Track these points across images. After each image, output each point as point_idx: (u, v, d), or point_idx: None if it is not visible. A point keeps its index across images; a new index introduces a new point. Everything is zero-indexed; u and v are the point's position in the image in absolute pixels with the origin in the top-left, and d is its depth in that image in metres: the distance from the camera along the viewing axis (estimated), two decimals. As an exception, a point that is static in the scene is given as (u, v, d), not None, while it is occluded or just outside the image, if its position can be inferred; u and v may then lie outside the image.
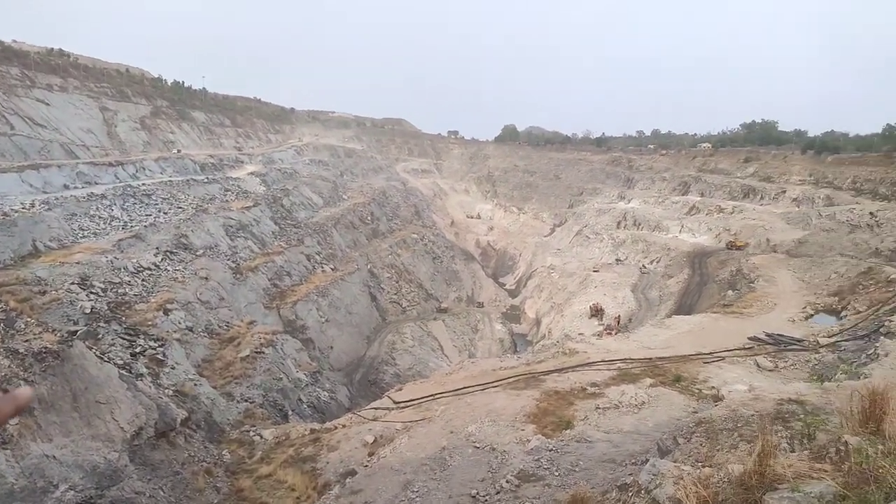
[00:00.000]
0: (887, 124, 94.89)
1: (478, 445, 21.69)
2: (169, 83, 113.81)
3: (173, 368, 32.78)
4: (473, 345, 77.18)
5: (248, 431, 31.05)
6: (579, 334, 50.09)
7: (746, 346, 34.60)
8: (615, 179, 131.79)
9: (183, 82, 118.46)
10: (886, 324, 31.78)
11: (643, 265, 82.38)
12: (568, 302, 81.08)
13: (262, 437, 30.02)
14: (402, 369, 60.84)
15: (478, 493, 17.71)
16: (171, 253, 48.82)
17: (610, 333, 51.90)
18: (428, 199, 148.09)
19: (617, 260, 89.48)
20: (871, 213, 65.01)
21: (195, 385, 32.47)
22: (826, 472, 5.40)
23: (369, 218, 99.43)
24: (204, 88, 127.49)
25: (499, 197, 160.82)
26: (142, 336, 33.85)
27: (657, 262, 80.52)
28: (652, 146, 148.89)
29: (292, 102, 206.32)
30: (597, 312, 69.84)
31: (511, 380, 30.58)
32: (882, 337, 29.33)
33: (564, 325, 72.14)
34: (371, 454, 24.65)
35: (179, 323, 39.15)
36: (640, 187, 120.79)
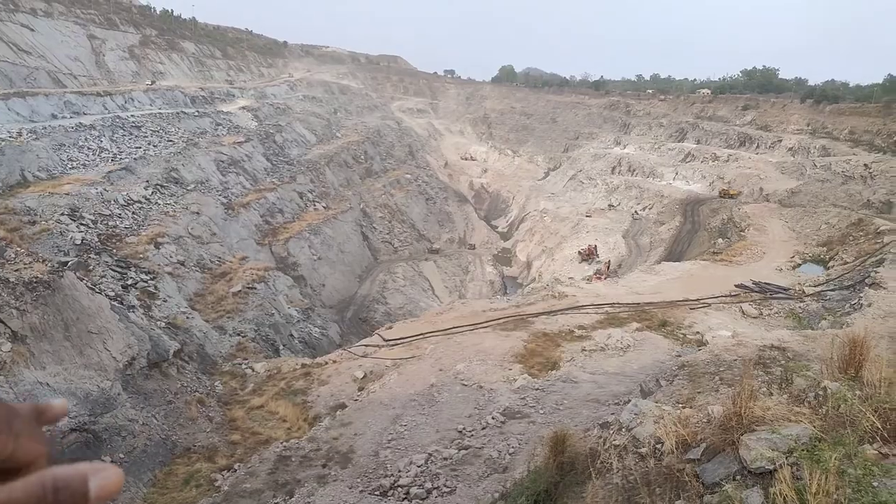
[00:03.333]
0: (888, 74, 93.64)
1: (466, 383, 22.14)
2: (158, 11, 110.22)
3: (165, 301, 32.97)
4: (464, 286, 77.77)
5: (241, 364, 31.51)
6: (569, 278, 50.51)
7: (733, 294, 35.07)
8: (612, 124, 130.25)
9: (172, 11, 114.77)
10: (872, 275, 32.16)
11: (636, 211, 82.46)
12: (559, 246, 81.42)
13: (253, 370, 30.49)
14: (392, 308, 61.40)
15: (464, 429, 18.18)
16: (162, 187, 48.37)
17: (599, 278, 52.34)
18: (423, 140, 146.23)
19: (610, 205, 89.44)
20: (865, 165, 64.97)
21: (187, 318, 32.74)
22: (804, 415, 5.52)
23: (363, 157, 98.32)
24: (194, 18, 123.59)
25: (494, 139, 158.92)
26: (133, 269, 33.88)
27: (650, 209, 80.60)
28: (651, 91, 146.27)
29: (284, 35, 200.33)
30: (589, 255, 70.19)
31: (500, 321, 30.99)
32: (867, 287, 29.74)
33: (555, 269, 72.65)
34: (361, 389, 25.15)
35: (171, 257, 39.14)
36: (637, 133, 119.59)
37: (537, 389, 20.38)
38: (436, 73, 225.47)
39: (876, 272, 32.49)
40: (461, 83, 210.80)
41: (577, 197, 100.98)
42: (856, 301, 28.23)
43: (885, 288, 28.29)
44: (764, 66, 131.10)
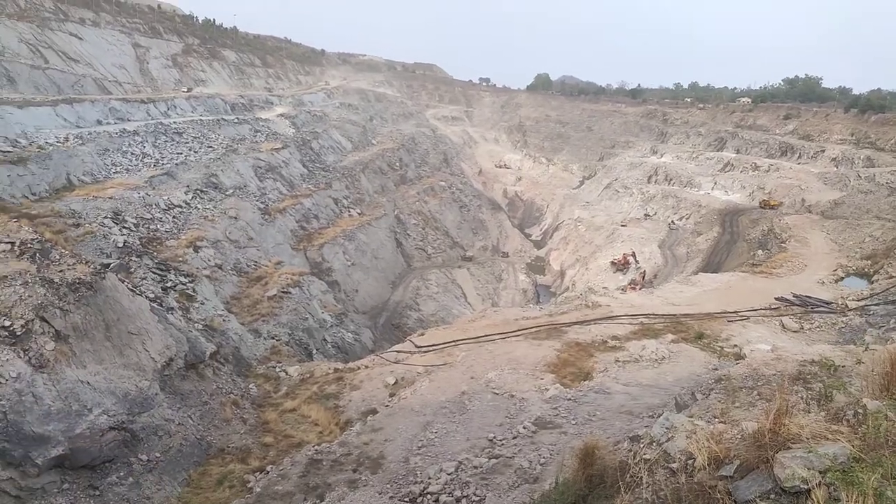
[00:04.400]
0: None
1: (497, 392, 22.07)
2: (200, 21, 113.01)
3: (203, 304, 33.64)
4: (497, 294, 77.59)
5: (275, 367, 31.93)
6: (603, 288, 49.99)
7: (773, 307, 34.28)
8: (649, 133, 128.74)
9: (214, 20, 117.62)
10: (919, 290, 31.17)
11: (672, 221, 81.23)
12: (593, 255, 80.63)
13: (287, 373, 30.87)
14: (425, 315, 61.57)
15: (495, 437, 18.10)
16: (201, 191, 49.40)
17: (634, 288, 51.73)
18: (457, 147, 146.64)
19: (646, 215, 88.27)
20: (912, 176, 62.92)
21: (224, 321, 33.34)
22: (842, 433, 5.38)
23: (398, 164, 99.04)
24: (235, 27, 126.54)
25: (529, 147, 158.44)
26: (172, 271, 34.65)
27: (687, 219, 79.31)
28: (689, 99, 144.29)
29: (322, 44, 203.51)
30: (625, 265, 69.36)
31: (533, 330, 30.84)
32: (913, 303, 28.82)
33: (589, 278, 71.94)
34: (392, 395, 25.26)
35: (209, 260, 39.93)
36: (674, 142, 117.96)
37: (569, 400, 20.20)
38: (471, 80, 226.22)
39: (923, 287, 31.47)
40: (496, 91, 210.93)
41: (612, 206, 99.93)
42: (901, 316, 27.37)
43: (932, 303, 27.38)
44: (806, 74, 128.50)
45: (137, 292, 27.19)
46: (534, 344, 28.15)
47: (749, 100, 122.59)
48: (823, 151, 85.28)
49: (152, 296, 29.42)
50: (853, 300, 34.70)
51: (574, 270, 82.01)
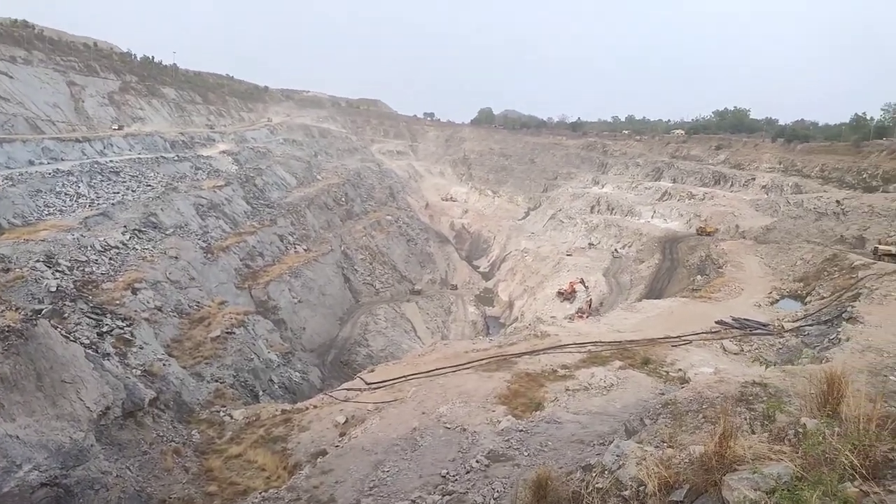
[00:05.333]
0: (855, 114, 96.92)
1: (449, 426, 21.81)
2: (138, 58, 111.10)
3: (141, 348, 32.30)
4: (446, 327, 77.44)
5: (219, 412, 30.79)
6: (551, 317, 50.57)
7: (713, 330, 35.23)
8: (590, 164, 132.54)
9: (153, 57, 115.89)
10: (849, 309, 32.58)
11: (615, 249, 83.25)
12: (541, 285, 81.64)
13: (232, 417, 29.81)
14: (374, 350, 60.83)
15: (448, 473, 17.82)
16: (140, 231, 47.96)
17: (581, 317, 52.45)
18: (403, 181, 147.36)
19: (590, 244, 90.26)
20: (837, 202, 66.39)
21: (164, 365, 32.04)
22: (784, 453, 5.50)
23: (343, 199, 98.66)
24: (175, 64, 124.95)
25: (474, 180, 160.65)
26: (109, 315, 33.24)
27: (629, 247, 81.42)
28: (626, 132, 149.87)
29: (266, 80, 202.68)
30: (571, 294, 70.41)
31: (483, 362, 30.76)
32: (844, 322, 30.07)
33: (537, 308, 72.69)
34: (342, 434, 24.66)
35: (148, 302, 38.54)
36: (614, 172, 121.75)
37: (521, 431, 20.11)
38: (415, 115, 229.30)
39: (852, 307, 32.93)
40: (440, 125, 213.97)
41: (557, 236, 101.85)
42: (834, 336, 28.50)
43: (861, 322, 28.65)
44: (735, 106, 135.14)
45: (71, 338, 25.93)
46: (484, 376, 28.05)
47: (683, 132, 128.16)
48: (754, 179, 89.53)
49: (87, 342, 28.09)
50: (788, 321, 36.04)
51: (522, 301, 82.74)
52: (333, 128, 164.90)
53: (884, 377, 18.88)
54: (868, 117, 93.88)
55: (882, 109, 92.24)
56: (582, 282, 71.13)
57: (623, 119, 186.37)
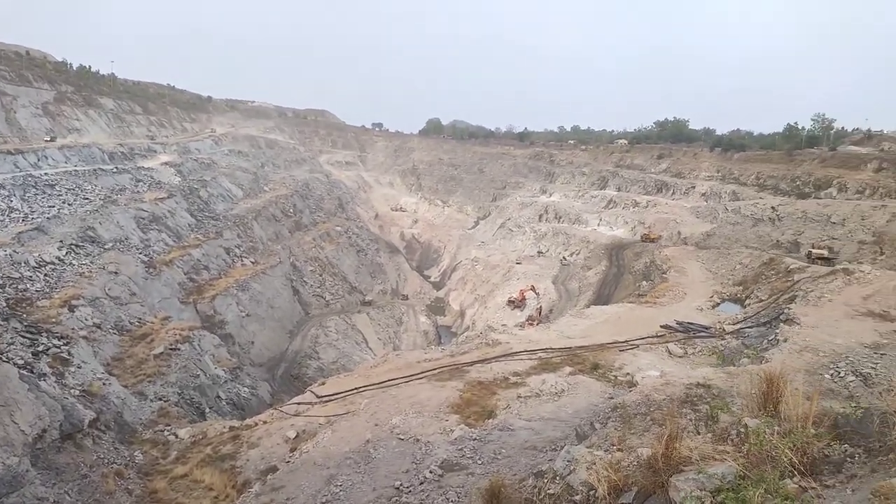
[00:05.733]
0: (788, 124, 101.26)
1: (402, 437, 21.66)
2: (74, 67, 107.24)
3: (80, 368, 31.00)
4: (398, 337, 77.08)
5: (163, 431, 29.79)
6: (502, 325, 50.85)
7: (659, 334, 36.12)
8: (537, 174, 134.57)
9: (90, 67, 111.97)
10: (786, 311, 33.91)
11: (564, 257, 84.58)
12: (491, 294, 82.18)
13: (177, 436, 28.87)
14: (325, 363, 60.01)
15: (402, 485, 17.67)
16: (77, 246, 46.18)
17: (532, 324, 52.99)
18: (352, 192, 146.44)
19: (539, 252, 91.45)
20: (772, 208, 69.22)
21: (104, 384, 30.83)
22: (728, 453, 5.66)
23: (292, 210, 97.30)
24: (113, 74, 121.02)
25: (423, 190, 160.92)
26: (45, 334, 31.81)
27: (577, 255, 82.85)
28: (572, 142, 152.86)
29: (210, 90, 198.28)
30: (522, 302, 71.07)
31: (435, 371, 30.72)
32: (782, 324, 31.26)
33: (488, 316, 73.08)
34: (293, 450, 24.19)
35: (86, 320, 37.08)
36: (561, 181, 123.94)
37: (475, 440, 20.13)
38: (364, 126, 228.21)
39: (789, 308, 34.30)
40: (389, 136, 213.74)
41: (506, 245, 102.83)
42: (772, 337, 29.58)
43: (798, 323, 29.82)
44: (675, 117, 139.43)
45: (4, 359, 24.71)
46: (437, 386, 27.99)
47: (626, 141, 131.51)
48: (694, 187, 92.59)
49: (21, 362, 26.77)
50: (729, 324, 37.30)
51: (473, 309, 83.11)
52: (281, 138, 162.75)
53: (820, 376, 19.75)
54: (800, 127, 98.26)
55: (812, 120, 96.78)
56: (533, 288, 71.97)
57: (569, 129, 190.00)
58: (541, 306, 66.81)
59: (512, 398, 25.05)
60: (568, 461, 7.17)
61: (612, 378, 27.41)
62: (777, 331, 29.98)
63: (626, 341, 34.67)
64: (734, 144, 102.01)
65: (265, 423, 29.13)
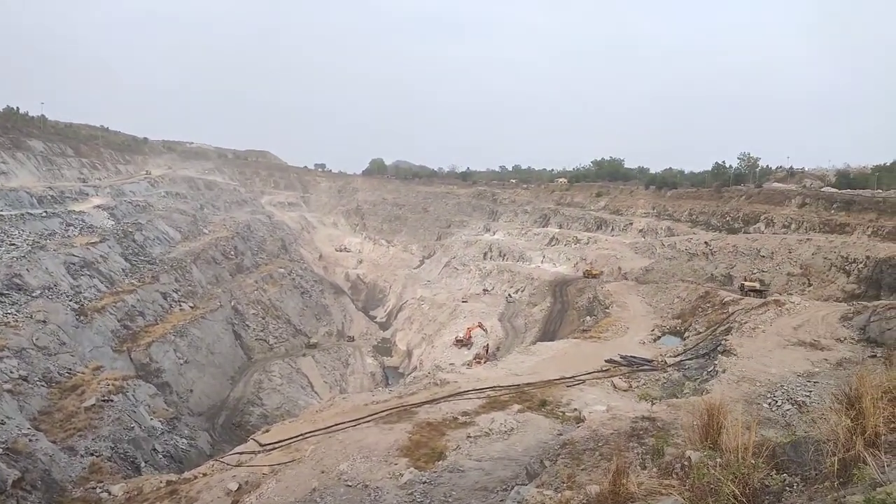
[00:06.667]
0: (715, 163, 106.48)
1: (350, 484, 21.17)
2: (1, 109, 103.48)
3: (3, 423, 29.22)
4: (345, 380, 75.71)
5: (95, 488, 28.25)
6: (450, 364, 50.64)
7: (604, 369, 36.68)
8: (481, 212, 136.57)
9: (18, 108, 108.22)
10: (723, 342, 34.99)
11: (509, 294, 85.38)
12: (438, 333, 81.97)
13: (110, 493, 27.40)
14: (269, 409, 58.30)
15: (350, 534, 17.22)
16: (2, 295, 43.96)
17: (479, 362, 52.94)
18: (295, 233, 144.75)
19: (484, 290, 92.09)
20: (706, 243, 72.05)
21: (30, 441, 29.11)
22: (673, 487, 5.77)
23: (233, 252, 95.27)
24: (43, 115, 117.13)
25: (368, 230, 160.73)
26: (-37, 389, 29.94)
27: (522, 291, 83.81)
28: (514, 181, 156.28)
29: (146, 132, 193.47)
30: (469, 340, 71.04)
31: (383, 414, 30.24)
32: (719, 355, 32.22)
33: (436, 355, 72.73)
34: (235, 502, 23.24)
35: (11, 372, 35.09)
36: (505, 219, 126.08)
37: (425, 483, 19.87)
38: (306, 166, 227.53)
39: (726, 340, 35.41)
40: (332, 176, 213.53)
41: (452, 283, 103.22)
42: (711, 368, 30.39)
43: (735, 354, 30.78)
44: (611, 157, 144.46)
45: (-85, 418, 23.07)
46: (385, 428, 27.54)
47: (565, 180, 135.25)
48: (632, 224, 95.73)
49: (-64, 421, 25.09)
50: (670, 357, 38.22)
51: (421, 349, 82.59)
52: (220, 180, 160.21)
53: (758, 405, 20.40)
54: (727, 165, 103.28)
55: (739, 158, 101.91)
56: (480, 325, 72.24)
57: (510, 168, 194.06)
58: (488, 344, 66.98)
59: (462, 438, 24.86)
60: (518, 502, 7.16)
61: (561, 414, 27.58)
62: (716, 362, 30.82)
63: (572, 377, 35.02)
64: (667, 182, 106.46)
65: (205, 475, 27.93)
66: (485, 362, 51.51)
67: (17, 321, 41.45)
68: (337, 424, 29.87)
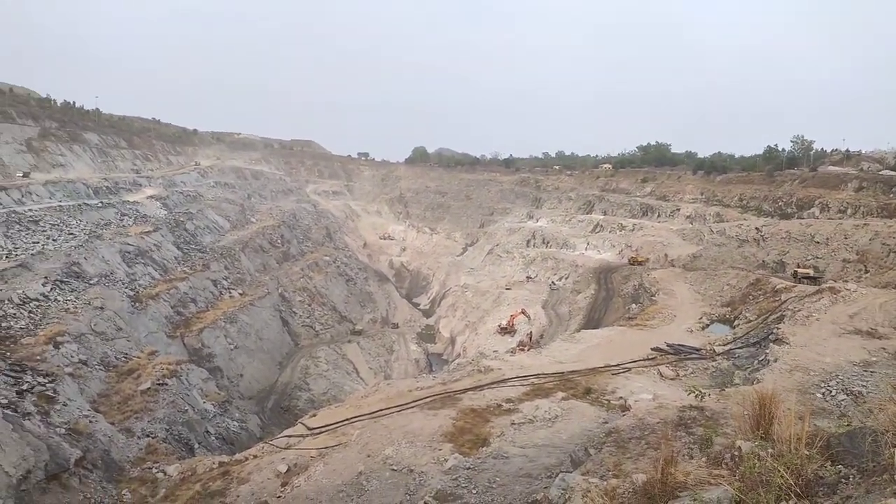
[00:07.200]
0: (767, 146, 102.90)
1: (395, 468, 21.46)
2: (58, 103, 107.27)
3: (65, 405, 30.52)
4: (389, 366, 76.51)
5: (151, 468, 29.30)
6: (494, 351, 50.71)
7: (650, 357, 36.15)
8: (524, 199, 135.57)
9: (73, 102, 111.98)
10: (775, 331, 34.05)
11: (553, 282, 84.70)
12: (482, 320, 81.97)
13: (165, 473, 28.39)
14: (316, 394, 59.43)
15: (396, 517, 17.48)
16: (62, 282, 45.70)
17: (523, 349, 52.82)
18: (340, 221, 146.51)
19: (528, 277, 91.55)
20: (756, 229, 69.97)
21: (90, 422, 30.36)
22: (723, 477, 5.67)
23: (279, 241, 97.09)
24: (97, 109, 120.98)
25: (411, 218, 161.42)
26: (29, 372, 31.34)
27: (566, 279, 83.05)
28: (557, 167, 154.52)
29: (195, 124, 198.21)
30: (512, 328, 70.94)
31: (427, 400, 30.50)
32: (771, 343, 31.38)
33: (479, 342, 72.82)
34: (285, 484, 23.83)
35: (72, 356, 36.56)
36: (548, 206, 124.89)
37: (469, 469, 19.99)
38: (350, 155, 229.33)
39: (778, 328, 34.44)
40: (375, 165, 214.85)
41: (495, 270, 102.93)
42: (763, 357, 29.64)
43: (787, 343, 29.94)
44: (657, 141, 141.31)
45: (-14, 399, 24.31)
46: (429, 414, 27.79)
47: (610, 166, 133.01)
48: (679, 210, 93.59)
49: (5, 401, 26.34)
50: (719, 345, 37.37)
51: (464, 336, 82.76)
52: (267, 169, 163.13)
53: (811, 395, 19.82)
54: (780, 148, 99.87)
55: (792, 141, 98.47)
56: (523, 311, 72.04)
57: (553, 155, 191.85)
58: (531, 331, 66.71)
59: (506, 425, 24.90)
60: (563, 489, 7.14)
61: (606, 402, 27.35)
62: (767, 351, 30.07)
63: (617, 365, 34.67)
64: (716, 167, 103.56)
65: (255, 457, 28.72)
66: (528, 350, 51.36)
67: (76, 307, 43.13)
68: (382, 410, 30.29)
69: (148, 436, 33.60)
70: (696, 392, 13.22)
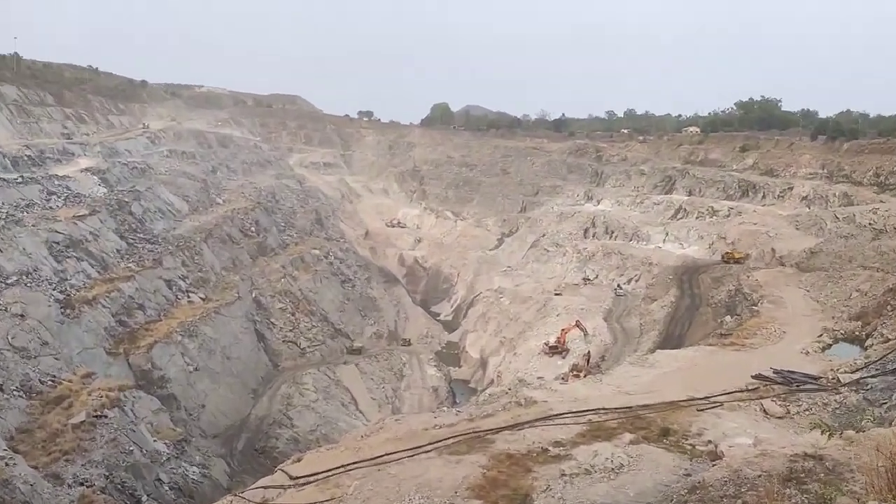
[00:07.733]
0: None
1: (406, 532, 21.56)
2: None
3: (-26, 443, 31.18)
4: (398, 396, 76.87)
5: (85, 528, 29.81)
6: (538, 378, 50.74)
7: (750, 387, 35.75)
8: (580, 174, 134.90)
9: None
10: (923, 354, 33.50)
11: (618, 285, 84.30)
12: (522, 336, 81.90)
13: (104, 534, 28.88)
14: (301, 432, 59.89)
15: None
16: (-31, 282, 46.65)
17: (578, 375, 52.71)
18: (334, 203, 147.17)
19: (585, 279, 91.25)
20: (898, 215, 68.80)
21: (7, 465, 30.95)
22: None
23: (253, 229, 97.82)
24: (17, 54, 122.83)
25: (428, 198, 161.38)
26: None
27: (636, 281, 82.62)
28: (626, 131, 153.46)
29: (144, 74, 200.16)
30: (563, 346, 70.73)
31: (449, 441, 30.56)
32: (918, 371, 30.90)
33: (519, 366, 72.81)
34: (259, 551, 24.09)
35: (-18, 379, 37.32)
36: (612, 184, 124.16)
37: (504, 535, 20.03)
38: (347, 115, 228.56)
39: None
40: (382, 128, 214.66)
41: (541, 269, 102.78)
42: (905, 389, 29.20)
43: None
44: (763, 96, 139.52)
45: None
46: (451, 461, 27.85)
47: (698, 129, 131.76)
48: (791, 189, 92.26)
49: None
50: (845, 372, 36.79)
51: (499, 357, 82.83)
52: (237, 134, 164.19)
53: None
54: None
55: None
56: (578, 325, 71.80)
57: (621, 115, 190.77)
58: (589, 352, 66.50)
59: (553, 477, 24.86)
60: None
61: (689, 448, 27.15)
62: (911, 381, 29.63)
63: (705, 398, 34.38)
64: (844, 131, 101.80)
65: (221, 515, 29.06)
66: (585, 376, 51.23)
67: (-11, 315, 43.98)
68: (389, 454, 30.43)
69: (82, 484, 34.14)
70: (824, 428, 13.01)
